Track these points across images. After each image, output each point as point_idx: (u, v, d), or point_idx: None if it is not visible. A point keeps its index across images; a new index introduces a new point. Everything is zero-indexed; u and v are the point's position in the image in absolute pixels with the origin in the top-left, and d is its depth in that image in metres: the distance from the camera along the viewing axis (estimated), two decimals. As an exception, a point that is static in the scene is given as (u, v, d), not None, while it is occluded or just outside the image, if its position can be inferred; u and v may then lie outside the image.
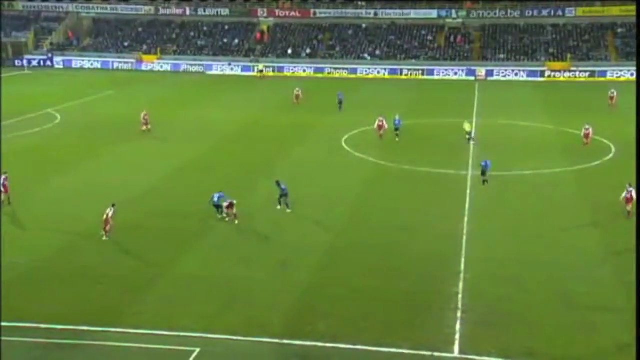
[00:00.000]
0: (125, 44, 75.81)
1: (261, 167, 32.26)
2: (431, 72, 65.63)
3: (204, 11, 77.51)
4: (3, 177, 26.65)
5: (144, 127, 38.15)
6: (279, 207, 26.18)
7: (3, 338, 16.51)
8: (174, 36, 76.89)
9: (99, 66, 71.76)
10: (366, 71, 67.35)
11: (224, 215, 25.12)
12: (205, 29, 77.29)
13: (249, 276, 20.67)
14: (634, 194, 24.48)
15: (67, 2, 79.17)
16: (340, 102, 46.50)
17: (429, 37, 71.65)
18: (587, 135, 35.53)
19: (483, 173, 28.76)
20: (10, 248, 22.26)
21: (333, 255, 22.34)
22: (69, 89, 56.66)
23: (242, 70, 68.99)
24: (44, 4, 78.57)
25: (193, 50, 73.83)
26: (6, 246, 22.29)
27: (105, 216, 23.14)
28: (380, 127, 37.12)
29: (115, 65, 71.84)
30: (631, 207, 24.56)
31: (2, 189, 26.25)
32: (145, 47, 74.53)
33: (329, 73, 67.30)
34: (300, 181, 30.14)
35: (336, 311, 18.42)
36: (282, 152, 35.33)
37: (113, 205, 23.52)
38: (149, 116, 39.05)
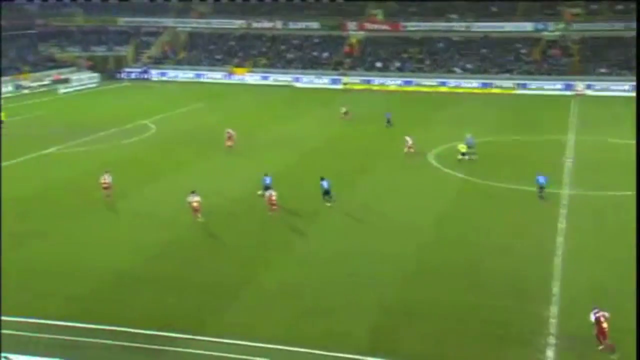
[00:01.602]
0: (218, 57, 78.73)
1: (346, 182, 32.35)
2: (525, 86, 63.77)
3: (295, 25, 79.32)
4: (106, 175, 29.42)
5: (228, 143, 39.06)
6: (328, 204, 27.63)
7: (91, 340, 17.21)
8: (264, 49, 79.06)
9: (193, 79, 74.73)
10: (456, 85, 66.42)
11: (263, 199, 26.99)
12: (295, 42, 78.94)
13: (332, 289, 20.70)
14: None
15: (165, 17, 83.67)
16: (389, 121, 45.97)
17: (524, 50, 69.68)
18: None
19: (541, 188, 28.69)
20: (102, 252, 23.43)
21: (419, 270, 22.04)
22: (164, 101, 59.49)
23: (330, 82, 69.89)
24: (144, 19, 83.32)
25: (282, 63, 75.62)
26: (98, 250, 23.57)
27: (191, 204, 25.93)
28: (409, 147, 36.84)
29: (208, 77, 74.74)
30: None
31: (104, 185, 29.12)
32: (236, 60, 77.09)
33: (417, 87, 66.89)
34: (387, 195, 30.08)
35: (421, 329, 18.12)
36: (367, 166, 35.31)
37: (193, 192, 26.35)
38: (233, 132, 39.59)
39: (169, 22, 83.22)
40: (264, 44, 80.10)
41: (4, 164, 35.27)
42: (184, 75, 75.71)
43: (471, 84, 65.96)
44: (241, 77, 73.57)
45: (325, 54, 75.92)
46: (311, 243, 24.53)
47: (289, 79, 71.61)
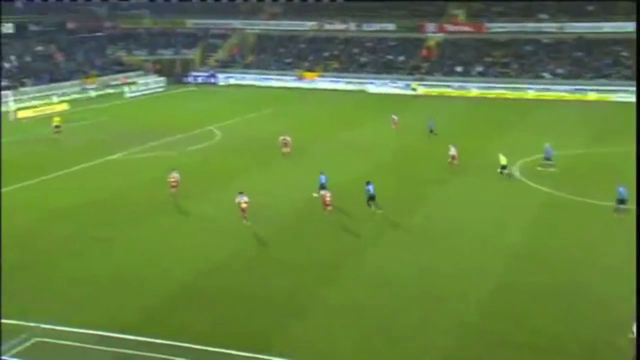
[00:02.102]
0: (287, 60, 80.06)
1: (418, 193, 32.28)
2: (625, 93, 61.41)
3: (370, 26, 79.65)
4: (174, 173, 31.46)
5: (285, 150, 39.54)
6: (375, 210, 28.25)
7: (149, 354, 17.67)
8: (336, 52, 79.76)
9: (261, 83, 76.27)
10: (545, 91, 64.81)
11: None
12: (368, 45, 79.27)
13: (404, 308, 20.52)
14: None
15: (234, 18, 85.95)
16: (432, 130, 45.19)
17: (624, 54, 67.16)
18: None
19: (621, 202, 27.83)
20: (166, 262, 24.12)
21: (501, 291, 21.58)
22: (231, 106, 61.01)
23: (405, 88, 69.71)
24: (212, 21, 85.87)
25: (355, 68, 76.06)
26: (162, 259, 24.39)
27: (239, 204, 27.28)
28: (453, 157, 36.10)
29: (276, 82, 76.13)
30: None
31: (173, 183, 31.15)
32: (306, 63, 78.17)
33: (501, 93, 65.74)
34: (464, 208, 29.78)
35: (504, 358, 17.74)
36: (444, 177, 35.11)
37: (241, 192, 27.78)
38: (289, 139, 40.03)
39: (237, 24, 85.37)
40: (336, 46, 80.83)
41: (70, 169, 37.24)
42: (252, 79, 77.34)
43: (562, 90, 64.17)
44: (311, 82, 74.51)
45: (401, 58, 75.83)
46: (381, 258, 24.46)
47: (362, 83, 71.96)
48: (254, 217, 28.35)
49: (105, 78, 72.49)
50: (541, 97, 63.80)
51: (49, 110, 57.56)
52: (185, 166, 37.26)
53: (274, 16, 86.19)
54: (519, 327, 19.41)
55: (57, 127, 46.96)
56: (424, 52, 75.62)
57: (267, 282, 22.54)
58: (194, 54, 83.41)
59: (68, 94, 65.57)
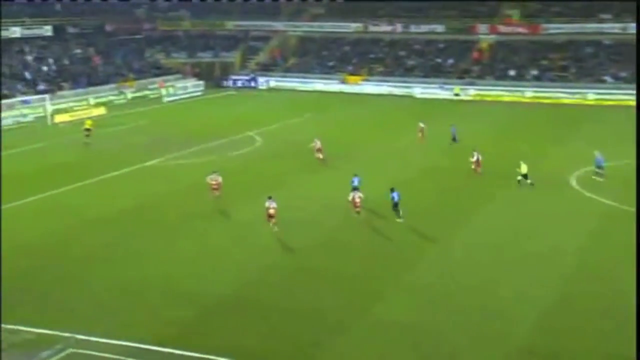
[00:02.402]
0: (330, 63, 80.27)
1: (468, 204, 31.93)
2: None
3: (417, 28, 79.31)
4: (214, 175, 32.94)
5: (318, 155, 40.05)
6: (398, 219, 28.80)
7: None
8: (381, 55, 79.65)
9: (302, 87, 76.67)
10: (606, 96, 63.46)
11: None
12: (416, 47, 78.94)
13: (455, 325, 20.26)
14: None
15: (276, 20, 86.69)
16: (454, 138, 44.73)
17: (692, 56, 65.25)
18: None
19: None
20: (203, 273, 24.33)
21: (557, 312, 21.19)
22: (271, 111, 61.49)
23: (453, 92, 69.22)
24: (253, 23, 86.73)
25: (401, 71, 75.82)
26: (198, 269, 24.54)
27: (267, 210, 27.86)
28: (476, 162, 36.31)
29: (319, 86, 76.27)
30: None
31: (214, 186, 32.66)
32: (350, 67, 78.27)
33: (558, 98, 64.61)
34: (519, 220, 29.35)
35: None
36: (495, 188, 34.63)
37: (270, 197, 28.20)
38: (320, 145, 40.61)
39: (279, 25, 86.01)
40: (382, 49, 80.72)
41: (107, 175, 37.99)
42: (293, 83, 77.77)
43: (625, 95, 62.70)
44: (355, 86, 74.54)
45: (450, 61, 75.27)
46: (430, 271, 24.24)
47: (408, 87, 71.67)
48: (294, 225, 28.51)
49: (143, 81, 73.85)
50: (602, 103, 62.47)
51: (86, 114, 58.93)
52: (225, 172, 37.55)
53: (317, 17, 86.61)
54: (578, 346, 19.00)
55: (87, 130, 47.91)
56: (475, 54, 74.89)
57: (308, 294, 22.47)
58: (233, 56, 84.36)
59: (105, 98, 67.10)
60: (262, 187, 35.18)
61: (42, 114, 57.82)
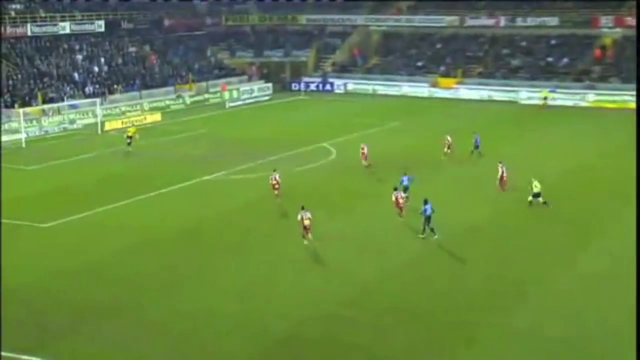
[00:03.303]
0: (419, 63, 79.83)
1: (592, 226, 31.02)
2: None
3: (524, 21, 77.71)
4: (275, 174, 35.75)
5: (364, 162, 42.34)
6: (421, 235, 29.90)
7: None
8: (480, 54, 78.62)
9: (386, 91, 76.60)
10: None
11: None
12: (522, 44, 77.53)
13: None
14: None
15: (355, 14, 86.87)
16: (477, 147, 45.60)
17: None
18: None
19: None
20: (264, 307, 24.42)
21: None
22: (348, 119, 61.40)
23: (569, 97, 67.44)
24: (329, 17, 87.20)
25: (504, 72, 74.50)
26: (259, 303, 24.57)
27: (302, 221, 29.14)
28: (502, 179, 37.14)
29: (405, 90, 75.94)
30: None
31: (275, 184, 35.58)
32: (442, 67, 77.58)
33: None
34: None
35: None
36: (620, 209, 33.60)
37: (303, 207, 29.43)
38: (367, 151, 42.94)
39: (360, 20, 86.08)
40: (481, 46, 79.72)
41: (161, 190, 38.59)
42: (375, 86, 77.79)
43: None
44: (448, 90, 73.80)
45: (565, 60, 73.45)
46: (530, 313, 23.64)
47: (512, 92, 70.33)
48: (369, 252, 28.34)
49: (203, 84, 75.39)
50: None
51: (139, 120, 60.56)
52: (293, 189, 37.68)
53: (404, 11, 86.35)
54: None
55: (129, 137, 49.21)
56: (597, 52, 72.73)
57: (385, 335, 22.19)
58: (306, 55, 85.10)
59: (161, 102, 68.87)
60: (333, 206, 35.10)
61: (91, 120, 59.81)
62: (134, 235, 31.54)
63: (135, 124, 57.23)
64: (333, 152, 48.22)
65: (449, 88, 74.04)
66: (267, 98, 75.50)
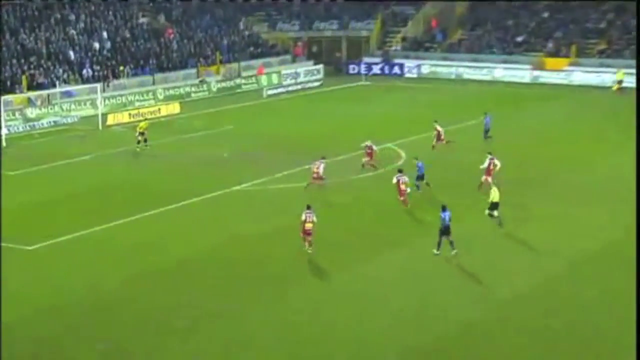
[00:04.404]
0: (518, 39, 79.25)
1: None
2: None
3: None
4: (319, 162, 40.17)
5: (367, 160, 44.67)
6: (436, 251, 31.54)
7: None
8: (602, 25, 77.63)
9: (472, 75, 76.63)
10: None
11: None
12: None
13: None
14: None
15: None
16: (486, 132, 49.13)
17: None
18: None
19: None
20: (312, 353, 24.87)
21: None
22: (422, 111, 60.47)
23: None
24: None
25: (634, 50, 73.47)
26: (305, 351, 24.88)
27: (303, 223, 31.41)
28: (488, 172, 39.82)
29: (499, 73, 75.52)
30: None
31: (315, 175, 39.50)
32: (550, 44, 76.81)
33: None
34: None
35: None
36: None
37: (309, 207, 32.14)
38: (375, 148, 44.83)
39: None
40: (602, 15, 78.72)
41: (178, 204, 38.76)
42: (460, 69, 77.75)
43: None
44: (558, 74, 73.14)
45: None
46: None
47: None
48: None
49: (234, 66, 75.92)
50: None
51: (152, 113, 61.31)
52: (348, 205, 37.84)
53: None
54: None
55: (141, 134, 50.03)
56: None
57: None
58: (368, 29, 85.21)
59: (180, 89, 69.67)
60: (404, 225, 35.08)
61: (90, 112, 60.74)
62: (143, 262, 31.77)
63: (147, 116, 57.73)
64: (402, 155, 48.08)
65: (559, 71, 73.31)
66: (316, 84, 75.79)
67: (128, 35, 74.53)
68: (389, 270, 30.78)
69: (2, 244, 33.01)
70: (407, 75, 78.99)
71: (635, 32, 65.89)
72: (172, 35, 77.21)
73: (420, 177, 39.91)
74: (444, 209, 31.94)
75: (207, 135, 55.15)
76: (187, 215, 37.91)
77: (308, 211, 32.05)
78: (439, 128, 49.00)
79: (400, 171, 38.29)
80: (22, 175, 45.36)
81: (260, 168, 45.11)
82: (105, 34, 72.72)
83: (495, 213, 35.47)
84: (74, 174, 45.80)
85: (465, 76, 76.62)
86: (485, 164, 39.97)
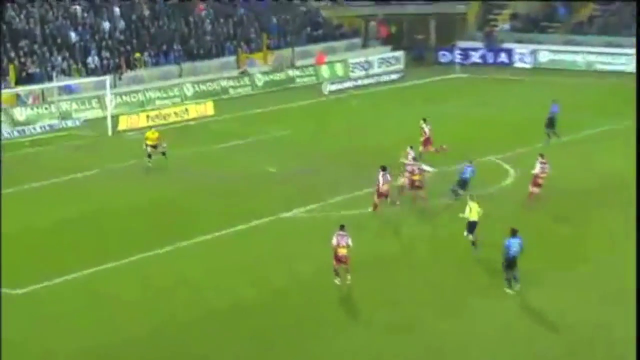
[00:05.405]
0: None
1: None
2: None
3: None
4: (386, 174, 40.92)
5: (428, 148, 47.55)
6: (509, 290, 32.62)
7: None
8: None
9: (608, 65, 76.30)
10: None
11: None
12: None
13: None
14: None
15: None
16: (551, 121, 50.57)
17: None
18: None
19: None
20: None
21: None
22: (539, 115, 60.27)
23: None
24: None
25: None
26: None
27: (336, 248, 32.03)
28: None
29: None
30: None
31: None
32: None
33: None
34: None
35: None
36: None
37: (342, 227, 33.49)
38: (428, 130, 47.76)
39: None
40: None
41: (215, 234, 39.08)
42: (590, 56, 77.48)
43: None
44: None
45: None
46: None
47: None
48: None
49: (286, 52, 76.25)
50: None
51: (177, 114, 61.99)
52: (443, 237, 37.97)
53: None
54: None
55: (152, 147, 50.07)
56: None
57: None
58: (464, 4, 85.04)
59: (215, 83, 70.29)
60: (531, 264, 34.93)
61: (97, 113, 61.52)
62: (160, 312, 31.79)
63: (166, 120, 58.03)
64: (509, 172, 47.92)
65: None
66: (395, 77, 75.95)
67: (146, 13, 75.08)
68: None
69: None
70: (518, 64, 78.84)
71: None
72: (204, 12, 77.60)
73: (462, 183, 42.15)
74: (514, 233, 32.49)
75: (248, 145, 55.55)
76: (218, 252, 37.88)
77: (341, 232, 33.18)
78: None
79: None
80: (9, 196, 45.17)
81: (318, 188, 45.06)
82: (117, 11, 73.30)
83: (471, 237, 36.95)
84: (73, 195, 46.03)
85: (598, 67, 75.95)
86: (537, 169, 41.87)
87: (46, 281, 34.36)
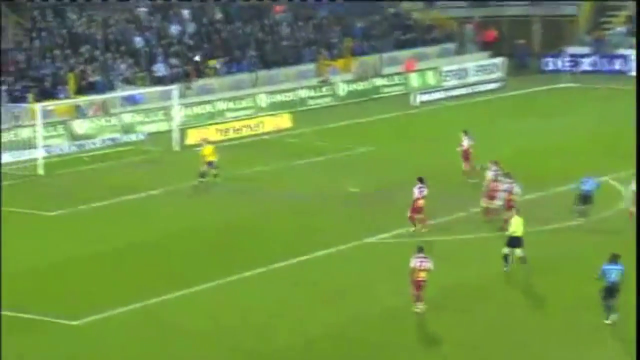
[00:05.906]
0: None
1: None
2: None
3: None
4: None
5: (466, 167, 47.09)
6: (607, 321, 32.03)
7: None
8: None
9: None
10: None
11: None
12: None
13: None
14: None
15: None
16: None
17: None
18: None
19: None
20: None
21: None
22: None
23: None
24: None
25: None
26: None
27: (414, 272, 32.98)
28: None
29: None
30: None
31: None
32: None
33: None
34: None
35: None
36: None
37: (420, 249, 33.89)
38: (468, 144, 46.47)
39: None
40: None
41: (290, 261, 39.42)
42: None
43: None
44: None
45: None
46: None
47: None
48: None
49: (371, 59, 76.59)
50: None
51: (252, 126, 62.86)
52: (561, 269, 38.10)
53: None
54: None
55: (208, 163, 50.89)
56: None
57: None
58: (574, 4, 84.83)
59: (292, 93, 71.17)
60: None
61: (163, 126, 62.61)
62: (244, 343, 32.16)
63: (238, 134, 58.58)
64: (622, 193, 48.03)
65: None
66: (494, 86, 76.27)
67: (219, 16, 75.61)
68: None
69: (37, 317, 33.61)
70: (634, 72, 78.24)
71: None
72: (281, 13, 77.96)
73: (584, 199, 42.90)
74: (614, 259, 32.25)
75: (328, 161, 56.33)
76: (293, 280, 38.18)
77: (420, 255, 33.62)
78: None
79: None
80: (65, 216, 46.62)
81: (405, 211, 44.55)
82: (186, 14, 73.98)
83: (519, 252, 37.22)
84: (135, 217, 46.91)
85: None
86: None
87: (109, 310, 34.49)
